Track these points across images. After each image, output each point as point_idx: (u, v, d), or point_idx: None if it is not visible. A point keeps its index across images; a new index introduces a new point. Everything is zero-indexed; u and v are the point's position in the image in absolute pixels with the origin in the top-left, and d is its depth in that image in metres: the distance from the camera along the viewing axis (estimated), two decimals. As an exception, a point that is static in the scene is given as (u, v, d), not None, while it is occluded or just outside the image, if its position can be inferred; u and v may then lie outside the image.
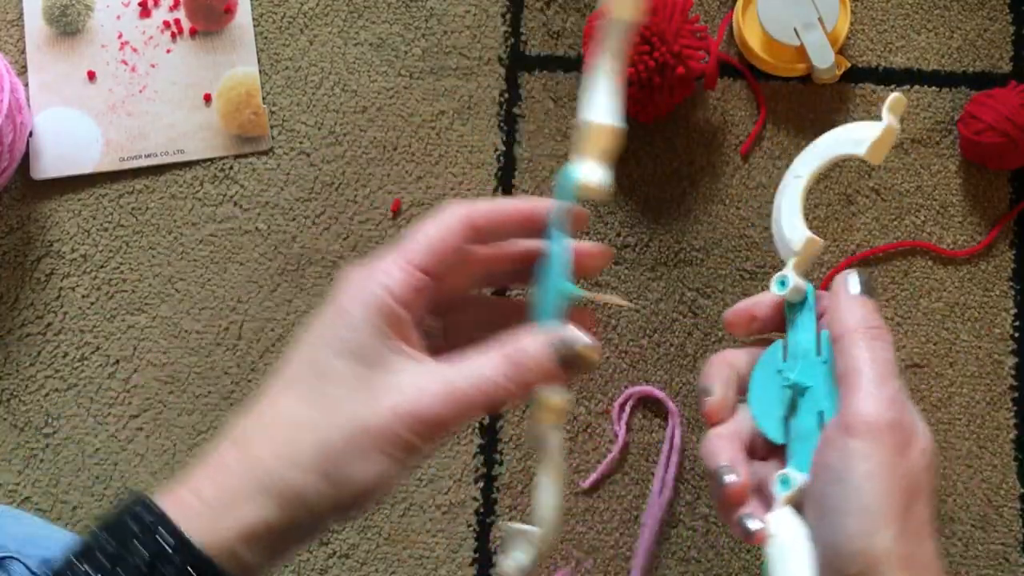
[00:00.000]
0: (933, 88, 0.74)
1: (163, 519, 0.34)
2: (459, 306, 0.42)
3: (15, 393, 0.71)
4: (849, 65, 0.74)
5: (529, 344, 0.37)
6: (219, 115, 0.74)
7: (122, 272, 0.72)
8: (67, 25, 0.74)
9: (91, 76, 0.74)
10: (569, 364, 0.37)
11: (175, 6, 0.75)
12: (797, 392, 0.43)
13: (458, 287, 0.41)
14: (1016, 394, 0.71)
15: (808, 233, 0.44)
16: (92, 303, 0.72)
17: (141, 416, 0.71)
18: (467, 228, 0.38)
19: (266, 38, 0.75)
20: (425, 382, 0.36)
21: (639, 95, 0.68)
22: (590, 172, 0.41)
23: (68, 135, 0.73)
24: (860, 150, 0.44)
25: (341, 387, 0.35)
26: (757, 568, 0.70)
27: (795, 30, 0.71)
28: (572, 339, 0.37)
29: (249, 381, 0.71)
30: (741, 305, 0.45)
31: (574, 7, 0.75)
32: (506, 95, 0.74)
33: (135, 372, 0.71)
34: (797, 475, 0.41)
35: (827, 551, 0.38)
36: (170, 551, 0.33)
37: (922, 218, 0.73)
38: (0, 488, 0.70)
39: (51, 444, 0.71)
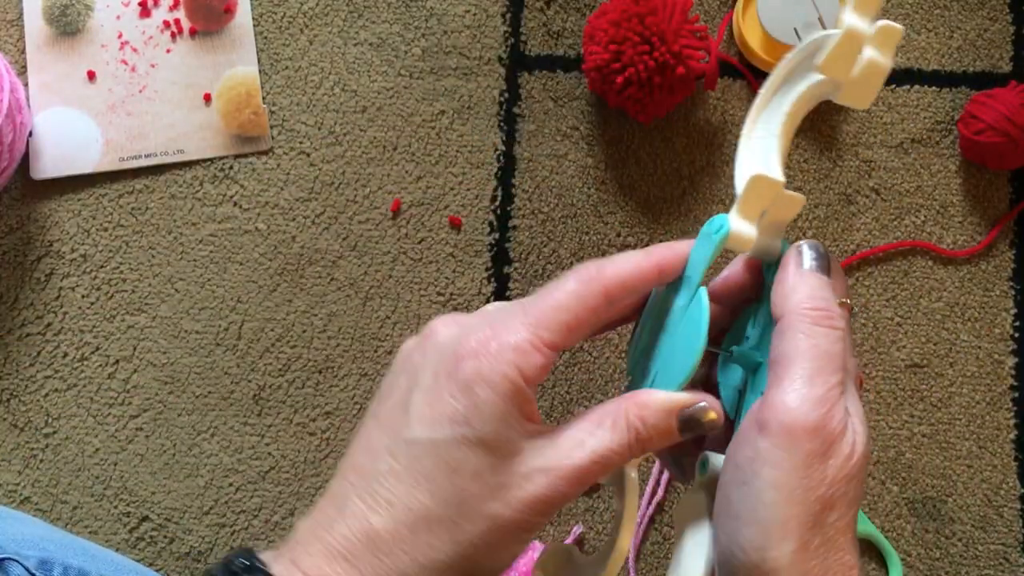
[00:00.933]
0: (933, 88, 0.74)
1: None
2: None
3: (15, 393, 0.71)
4: (849, 65, 0.73)
5: (651, 416, 0.35)
6: (219, 115, 0.74)
7: (122, 272, 0.72)
8: (67, 25, 0.74)
9: (91, 76, 0.74)
10: (691, 430, 0.35)
11: (175, 6, 0.75)
12: (748, 367, 0.38)
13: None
14: (1016, 394, 0.71)
15: (758, 170, 0.37)
16: (92, 303, 0.72)
17: (141, 416, 0.71)
18: (604, 302, 0.36)
19: (266, 38, 0.75)
20: (554, 465, 0.34)
21: (639, 95, 0.68)
22: (742, 225, 0.37)
23: (68, 135, 0.73)
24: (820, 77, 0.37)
25: (475, 483, 0.34)
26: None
27: (795, 30, 0.71)
28: (700, 411, 0.35)
29: (249, 381, 0.71)
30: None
31: (574, 7, 0.75)
32: (506, 95, 0.74)
33: (135, 372, 0.71)
34: (718, 460, 0.37)
35: (721, 556, 0.35)
36: None
37: (922, 218, 0.73)
38: (0, 488, 0.70)
39: (51, 444, 0.71)
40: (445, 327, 0.36)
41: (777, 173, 0.38)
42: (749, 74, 0.74)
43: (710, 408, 0.35)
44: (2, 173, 0.69)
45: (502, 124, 0.74)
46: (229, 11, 0.74)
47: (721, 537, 0.34)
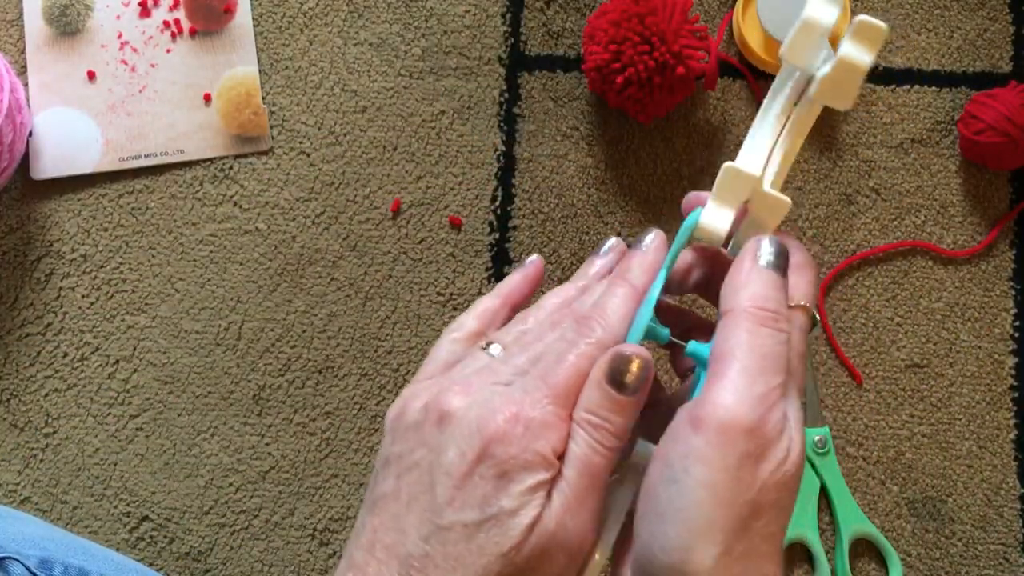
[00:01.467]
0: (933, 88, 0.74)
1: None
2: None
3: (15, 393, 0.71)
4: (849, 65, 0.73)
5: (586, 387, 0.36)
6: (219, 115, 0.74)
7: (122, 272, 0.72)
8: (67, 25, 0.74)
9: (91, 76, 0.74)
10: (617, 383, 0.35)
11: (175, 6, 0.75)
12: (701, 363, 0.36)
13: None
14: (1016, 394, 0.71)
15: (730, 163, 0.37)
16: (92, 303, 0.72)
17: (141, 416, 0.71)
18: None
19: (266, 38, 0.75)
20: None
21: (639, 95, 0.68)
22: (714, 217, 0.37)
23: (68, 135, 0.73)
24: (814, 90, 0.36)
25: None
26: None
27: (795, 30, 0.71)
28: (621, 359, 0.35)
29: (249, 381, 0.71)
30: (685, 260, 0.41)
31: (574, 7, 0.75)
32: (506, 95, 0.74)
33: (135, 372, 0.71)
34: (647, 449, 0.36)
35: (640, 555, 0.33)
36: None
37: (922, 218, 0.73)
38: (0, 488, 0.70)
39: (51, 444, 0.71)
40: (459, 400, 0.35)
41: (754, 168, 0.37)
42: (749, 74, 0.74)
43: (633, 356, 0.35)
44: (2, 173, 0.69)
45: (502, 124, 0.74)
46: (229, 11, 0.74)
47: (642, 535, 0.33)
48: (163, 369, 0.71)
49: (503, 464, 0.33)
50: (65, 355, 0.72)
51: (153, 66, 0.74)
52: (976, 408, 0.71)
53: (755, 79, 0.74)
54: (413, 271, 0.73)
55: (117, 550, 0.69)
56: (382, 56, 0.75)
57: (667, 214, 0.73)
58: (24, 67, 0.74)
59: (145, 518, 0.70)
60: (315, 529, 0.70)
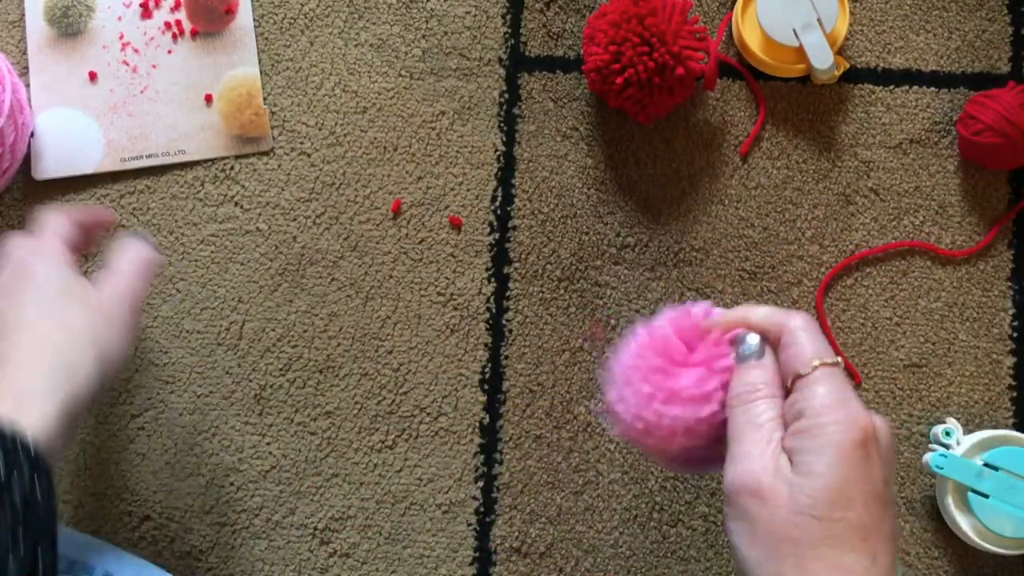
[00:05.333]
0: (932, 89, 0.75)
1: None
2: None
3: (17, 393, 0.71)
4: (848, 66, 0.74)
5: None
6: (220, 116, 0.74)
7: (123, 272, 0.73)
8: (68, 26, 0.74)
9: (92, 77, 0.74)
10: None
11: (176, 7, 0.75)
12: None
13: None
14: (1014, 394, 0.71)
15: None
16: (93, 303, 0.72)
17: (142, 416, 0.71)
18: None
19: (267, 39, 0.75)
20: None
21: (639, 95, 0.69)
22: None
23: (69, 136, 0.73)
24: None
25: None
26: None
27: (794, 31, 0.71)
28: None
29: (250, 381, 0.71)
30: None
31: (574, 8, 0.75)
32: (506, 95, 0.74)
33: (136, 372, 0.72)
34: None
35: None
36: None
37: (921, 218, 0.73)
38: (2, 487, 0.70)
39: (52, 444, 0.71)
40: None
41: None
42: (748, 75, 0.74)
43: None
44: (4, 173, 0.70)
45: (502, 125, 0.74)
46: (230, 12, 0.75)
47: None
48: (164, 369, 0.72)
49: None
50: (67, 355, 0.72)
51: (154, 67, 0.74)
52: (975, 408, 0.71)
53: (754, 80, 0.74)
54: (413, 271, 0.73)
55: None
56: (383, 57, 0.75)
57: (667, 214, 0.73)
58: (26, 68, 0.74)
59: (146, 517, 0.70)
60: (316, 528, 0.70)
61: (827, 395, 0.42)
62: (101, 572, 0.54)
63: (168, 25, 0.75)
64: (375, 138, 0.74)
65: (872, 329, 0.72)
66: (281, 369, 0.72)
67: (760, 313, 0.46)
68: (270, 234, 0.73)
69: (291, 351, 0.72)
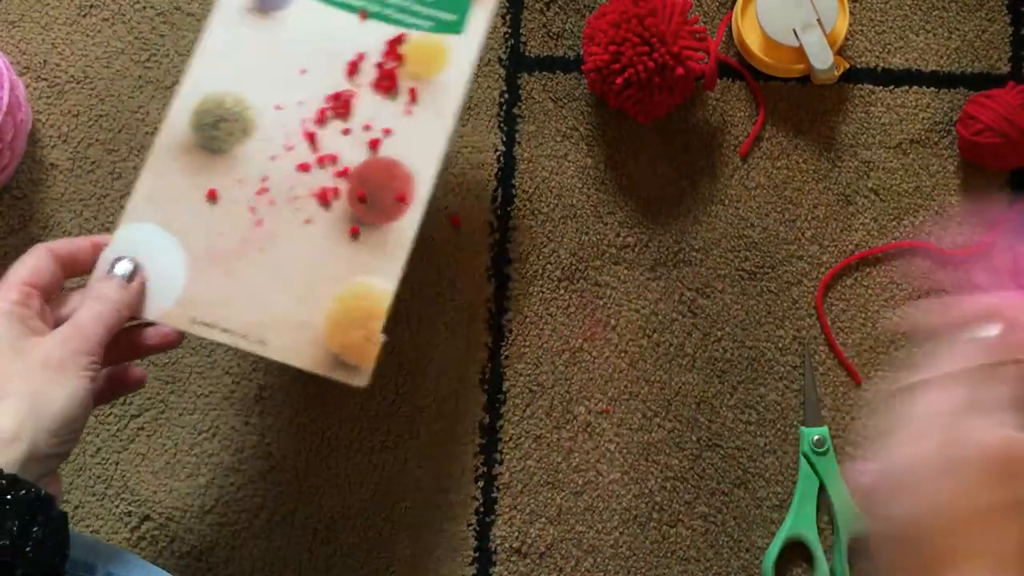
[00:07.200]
0: (932, 89, 0.75)
1: None
2: None
3: (17, 393, 0.71)
4: (848, 66, 0.74)
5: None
6: (327, 320, 0.58)
7: (123, 272, 0.72)
8: (212, 140, 0.59)
9: (212, 195, 0.59)
10: None
11: (342, 174, 0.59)
12: None
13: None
14: (1015, 394, 0.71)
15: None
16: (93, 303, 0.72)
17: (142, 416, 0.71)
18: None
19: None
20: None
21: (639, 95, 0.69)
22: None
23: (148, 265, 0.58)
24: None
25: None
26: (757, 568, 0.70)
27: (794, 31, 0.71)
28: None
29: (250, 380, 0.71)
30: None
31: (574, 8, 0.75)
32: (506, 96, 0.74)
33: (136, 372, 0.72)
34: None
35: None
36: None
37: (921, 218, 0.73)
38: (2, 487, 0.70)
39: (52, 444, 0.71)
40: None
41: None
42: (748, 75, 0.75)
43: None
44: (3, 171, 0.70)
45: (502, 125, 0.74)
46: (402, 201, 0.60)
47: None
48: (164, 368, 0.72)
49: None
50: (67, 355, 0.72)
51: (280, 233, 0.59)
52: (975, 408, 0.71)
53: (754, 80, 0.75)
54: (413, 271, 0.73)
55: (118, 549, 0.69)
56: (383, 57, 0.75)
57: (667, 214, 0.73)
58: (26, 67, 0.74)
59: (147, 517, 0.70)
60: (316, 528, 0.70)
61: None
62: (103, 573, 0.54)
63: (324, 192, 0.59)
64: (375, 138, 0.74)
65: (872, 329, 0.72)
66: (281, 368, 0.72)
67: None
68: (270, 234, 0.73)
69: (291, 351, 0.72)
